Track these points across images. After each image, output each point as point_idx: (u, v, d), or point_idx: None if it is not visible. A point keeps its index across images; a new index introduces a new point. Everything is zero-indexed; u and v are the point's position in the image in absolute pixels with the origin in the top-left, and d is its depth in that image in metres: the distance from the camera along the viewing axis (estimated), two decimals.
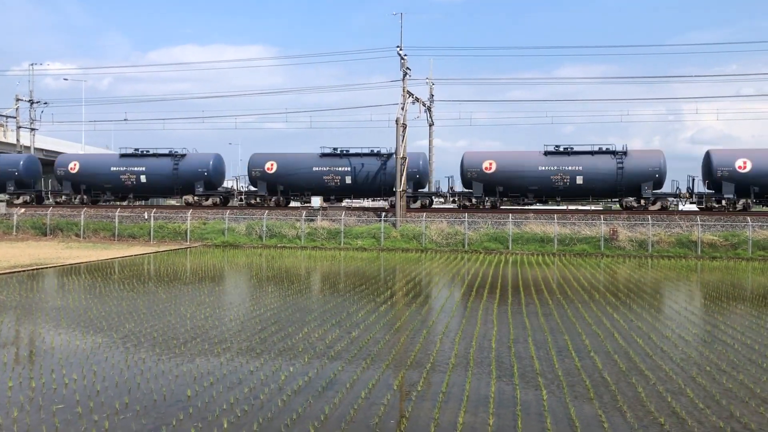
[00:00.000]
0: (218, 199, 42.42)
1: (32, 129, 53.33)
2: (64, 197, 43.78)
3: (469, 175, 38.12)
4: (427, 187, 41.92)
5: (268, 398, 8.68)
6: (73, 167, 43.29)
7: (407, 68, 38.54)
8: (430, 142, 46.79)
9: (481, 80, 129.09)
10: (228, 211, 39.17)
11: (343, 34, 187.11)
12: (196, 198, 42.08)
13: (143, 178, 42.39)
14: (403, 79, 38.50)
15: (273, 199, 41.21)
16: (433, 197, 40.85)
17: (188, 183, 41.98)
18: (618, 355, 11.17)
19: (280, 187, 40.94)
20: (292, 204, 42.33)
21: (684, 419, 7.96)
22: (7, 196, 44.58)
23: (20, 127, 52.62)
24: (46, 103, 52.91)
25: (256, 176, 41.13)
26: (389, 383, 9.40)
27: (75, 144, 70.74)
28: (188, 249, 33.43)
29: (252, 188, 42.53)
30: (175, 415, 8.02)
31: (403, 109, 37.98)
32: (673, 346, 12.05)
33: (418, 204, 39.68)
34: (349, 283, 20.80)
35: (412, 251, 33.00)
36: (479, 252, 32.72)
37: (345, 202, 43.82)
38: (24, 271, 22.68)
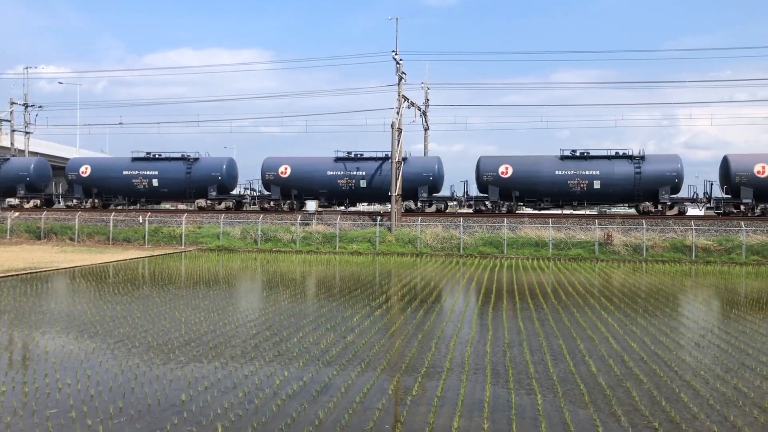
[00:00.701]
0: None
1: (27, 132, 53.22)
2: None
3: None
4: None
5: (263, 403, 8.66)
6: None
7: (402, 72, 38.61)
8: (426, 146, 46.85)
9: (477, 85, 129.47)
10: (223, 215, 39.12)
11: (339, 38, 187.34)
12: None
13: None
14: (399, 84, 38.57)
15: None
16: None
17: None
18: (613, 360, 11.19)
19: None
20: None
21: (678, 424, 7.98)
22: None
23: (14, 131, 52.48)
24: (40, 107, 52.82)
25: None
26: (384, 388, 9.40)
27: (70, 147, 70.64)
28: (183, 253, 33.36)
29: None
30: (169, 419, 7.99)
31: (398, 113, 38.05)
32: (667, 350, 12.08)
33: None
34: (344, 287, 20.79)
35: (407, 255, 33.00)
36: (474, 256, 32.75)
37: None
38: (18, 275, 22.59)
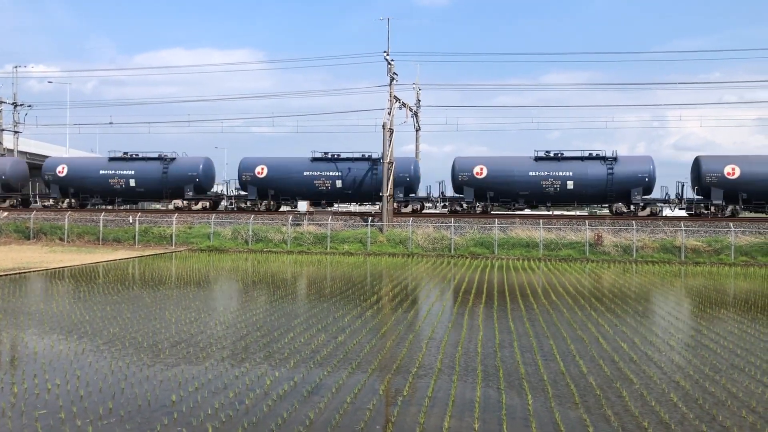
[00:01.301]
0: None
1: (16, 132, 52.83)
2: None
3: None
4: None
5: (254, 403, 8.65)
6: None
7: (394, 73, 38.62)
8: (417, 147, 46.89)
9: (468, 86, 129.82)
10: (214, 215, 39.02)
11: (331, 39, 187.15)
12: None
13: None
14: (390, 84, 38.59)
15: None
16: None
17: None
18: (603, 360, 11.23)
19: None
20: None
21: (667, 423, 8.03)
22: None
23: (3, 130, 52.10)
24: (30, 106, 52.47)
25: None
26: (375, 388, 9.40)
27: (59, 147, 70.15)
28: (173, 253, 33.24)
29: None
30: (159, 420, 7.96)
31: (389, 114, 38.06)
32: (657, 350, 12.14)
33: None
34: (336, 287, 20.77)
35: (398, 256, 33.01)
36: (465, 257, 32.81)
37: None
38: (6, 275, 22.44)
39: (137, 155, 42.84)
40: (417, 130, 46.46)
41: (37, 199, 45.53)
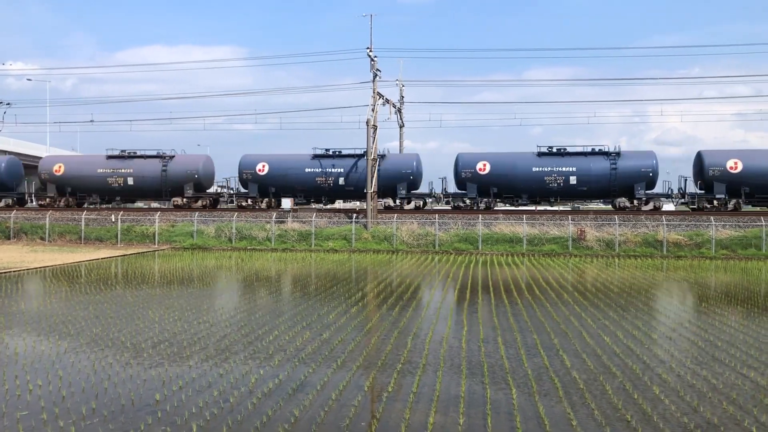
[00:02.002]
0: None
1: None
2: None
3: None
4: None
5: (238, 401, 8.62)
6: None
7: (377, 70, 38.59)
8: (401, 143, 46.88)
9: (451, 82, 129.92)
10: (197, 213, 38.78)
11: (314, 35, 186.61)
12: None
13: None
14: (374, 81, 38.55)
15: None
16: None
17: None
18: (586, 354, 11.32)
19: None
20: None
21: (650, 415, 8.11)
22: None
23: None
24: (8, 104, 51.61)
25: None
26: (360, 384, 9.41)
27: (40, 145, 69.41)
28: (156, 252, 33.02)
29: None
30: (143, 419, 7.92)
31: (373, 110, 38.04)
32: (639, 343, 12.26)
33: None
34: (320, 285, 20.75)
35: (383, 252, 33.03)
36: (450, 253, 32.90)
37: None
38: None
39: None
40: (401, 127, 46.48)
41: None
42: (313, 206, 41.88)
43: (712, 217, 33.46)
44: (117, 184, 41.81)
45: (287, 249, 34.44)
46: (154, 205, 49.63)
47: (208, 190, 42.92)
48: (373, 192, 36.82)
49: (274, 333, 13.00)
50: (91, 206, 42.63)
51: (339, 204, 45.55)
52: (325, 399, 8.69)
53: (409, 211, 38.71)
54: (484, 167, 37.99)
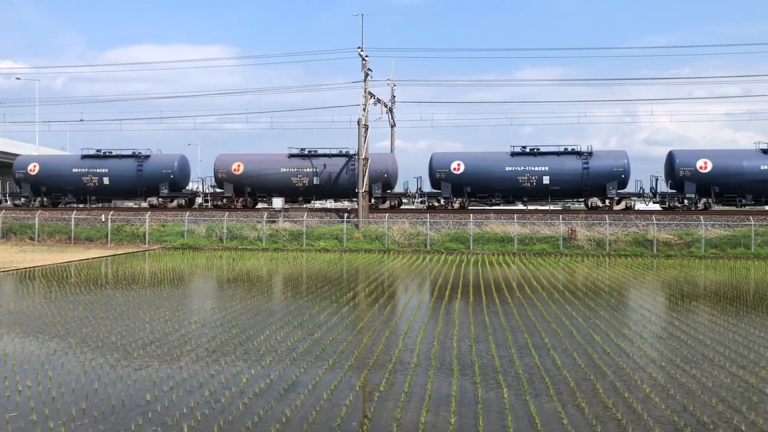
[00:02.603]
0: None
1: None
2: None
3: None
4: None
5: (229, 401, 8.60)
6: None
7: (369, 69, 38.57)
8: (392, 143, 46.88)
9: (442, 81, 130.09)
10: (188, 212, 38.65)
11: (305, 35, 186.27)
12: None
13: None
14: (365, 80, 38.53)
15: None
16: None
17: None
18: (577, 353, 11.37)
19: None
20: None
21: (640, 414, 8.15)
22: None
23: None
24: None
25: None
26: (352, 384, 9.41)
27: (29, 145, 68.85)
28: (147, 252, 32.88)
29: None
30: (134, 420, 7.89)
31: (364, 110, 38.03)
32: (629, 342, 12.32)
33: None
34: (312, 284, 20.73)
35: (374, 252, 33.03)
36: (441, 252, 32.94)
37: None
38: None
39: (111, 153, 42.30)
40: (392, 126, 46.48)
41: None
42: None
43: (701, 217, 33.68)
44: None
45: (278, 249, 34.38)
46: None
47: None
48: (365, 191, 36.81)
49: (266, 333, 12.97)
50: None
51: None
52: (317, 399, 8.69)
53: (385, 210, 38.86)
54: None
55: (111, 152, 42.33)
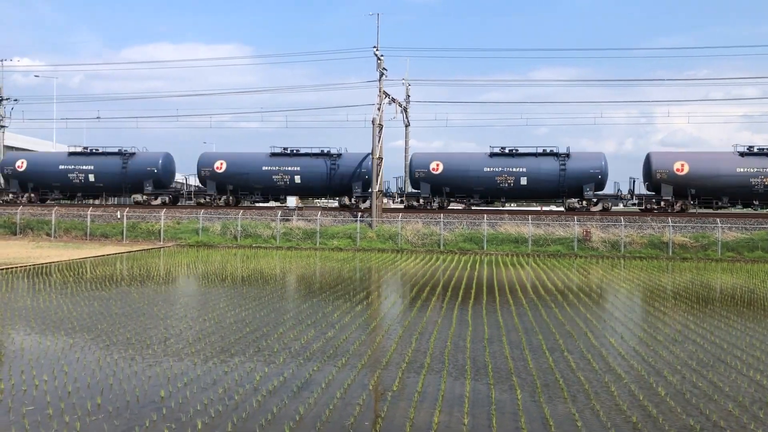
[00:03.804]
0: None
1: (1, 126, 52.25)
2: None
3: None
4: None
5: (243, 399, 8.63)
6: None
7: (384, 69, 38.59)
8: (407, 142, 46.88)
9: (457, 81, 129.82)
10: (203, 210, 38.88)
11: (320, 34, 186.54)
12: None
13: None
14: (380, 80, 38.55)
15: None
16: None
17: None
18: (591, 355, 11.29)
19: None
20: (272, 204, 42.39)
21: (655, 417, 8.08)
22: None
23: None
24: (16, 100, 51.76)
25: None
26: (365, 383, 9.40)
27: (46, 142, 69.52)
28: (162, 249, 33.08)
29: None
30: (148, 415, 7.93)
31: (379, 109, 38.05)
32: (644, 345, 12.22)
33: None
34: (325, 283, 20.76)
35: (388, 251, 33.03)
36: (454, 252, 32.87)
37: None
38: None
39: (97, 150, 43.19)
40: (406, 126, 46.47)
41: None
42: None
43: (718, 220, 33.38)
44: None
45: (292, 247, 34.47)
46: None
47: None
48: (379, 191, 36.81)
49: (279, 331, 13.00)
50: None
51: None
52: (330, 397, 8.69)
53: (392, 210, 38.97)
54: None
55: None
